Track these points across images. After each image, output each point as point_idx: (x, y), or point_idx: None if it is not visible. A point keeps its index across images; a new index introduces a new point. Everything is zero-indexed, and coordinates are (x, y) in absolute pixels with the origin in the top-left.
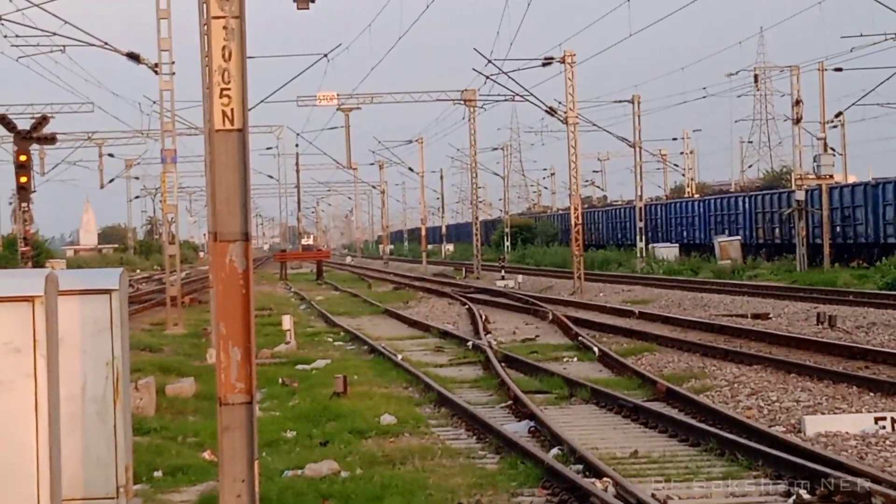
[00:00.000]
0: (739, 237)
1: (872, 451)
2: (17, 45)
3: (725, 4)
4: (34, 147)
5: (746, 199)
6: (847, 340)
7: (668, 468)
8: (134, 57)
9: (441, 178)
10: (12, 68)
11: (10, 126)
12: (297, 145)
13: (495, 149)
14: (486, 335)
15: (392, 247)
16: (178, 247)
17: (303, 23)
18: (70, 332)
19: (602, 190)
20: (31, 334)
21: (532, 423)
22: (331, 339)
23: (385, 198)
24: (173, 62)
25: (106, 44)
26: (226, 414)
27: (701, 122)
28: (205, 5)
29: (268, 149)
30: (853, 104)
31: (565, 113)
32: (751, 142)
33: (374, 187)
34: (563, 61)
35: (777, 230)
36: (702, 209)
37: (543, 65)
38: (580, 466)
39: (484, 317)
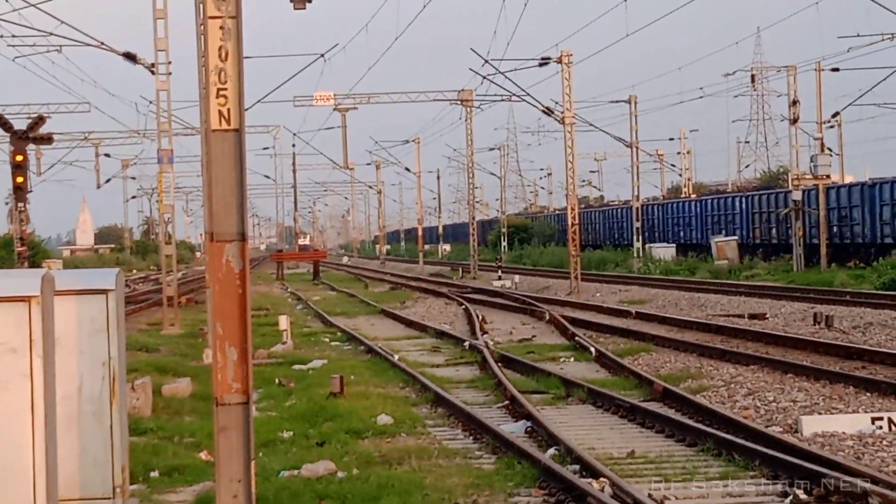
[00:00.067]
0: (736, 237)
1: (869, 451)
2: (13, 45)
3: (722, 5)
4: (30, 147)
5: (743, 200)
6: (844, 340)
7: (664, 468)
8: (130, 57)
9: (438, 178)
10: (9, 68)
11: (6, 126)
12: (293, 145)
13: (492, 149)
14: (482, 335)
15: (389, 247)
16: (175, 247)
17: (299, 23)
18: (66, 332)
19: (599, 190)
20: (27, 334)
21: (529, 424)
22: (327, 340)
23: (382, 198)
24: (170, 62)
25: (102, 44)
26: (222, 414)
27: (698, 123)
28: (201, 5)
29: (264, 149)
30: (850, 104)
31: (562, 113)
32: (748, 142)
33: (370, 187)
34: (559, 61)
35: (774, 230)
36: (699, 209)
37: (540, 65)
38: (577, 466)
39: (481, 317)
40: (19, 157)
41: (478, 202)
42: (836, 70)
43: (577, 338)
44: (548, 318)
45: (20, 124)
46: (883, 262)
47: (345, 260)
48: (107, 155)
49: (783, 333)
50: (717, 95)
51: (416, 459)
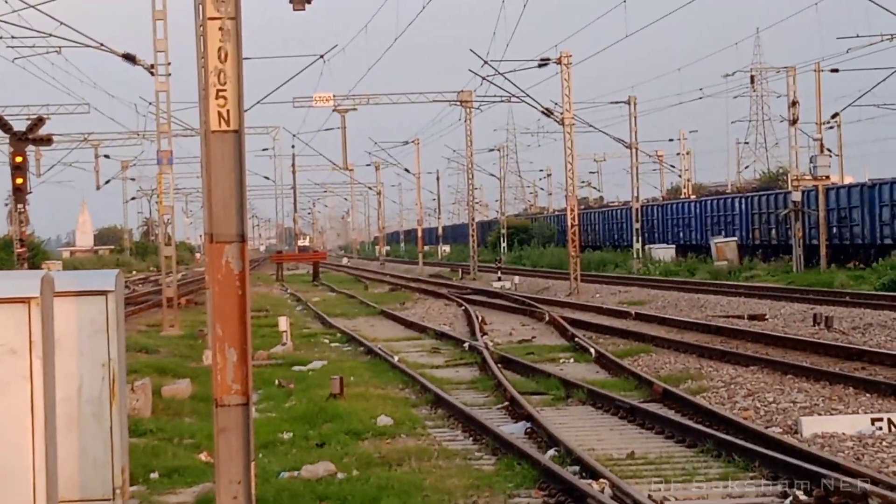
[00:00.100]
0: (736, 238)
1: (869, 452)
2: (12, 47)
3: (722, 6)
4: (30, 148)
5: (743, 200)
6: (843, 341)
7: (664, 469)
8: (130, 58)
9: (437, 179)
10: (8, 70)
11: (6, 127)
12: (293, 146)
13: (492, 150)
14: (482, 336)
15: (388, 248)
16: (175, 248)
17: (299, 24)
18: (66, 333)
19: (598, 191)
20: (27, 336)
21: (528, 425)
22: (327, 341)
23: (381, 199)
24: (169, 63)
25: (102, 45)
26: (222, 415)
27: (697, 123)
28: (200, 6)
29: (264, 150)
30: (849, 105)
31: (561, 114)
32: (747, 143)
33: (370, 188)
34: (559, 62)
35: (773, 231)
36: (698, 210)
37: (540, 66)
38: (577, 468)
39: (480, 318)
40: (19, 159)
41: (477, 203)
42: (836, 71)
43: (576, 339)
44: (547, 319)
45: (20, 125)
46: (882, 263)
47: (344, 261)
48: (106, 156)
49: (783, 334)
50: (717, 96)
51: (415, 460)
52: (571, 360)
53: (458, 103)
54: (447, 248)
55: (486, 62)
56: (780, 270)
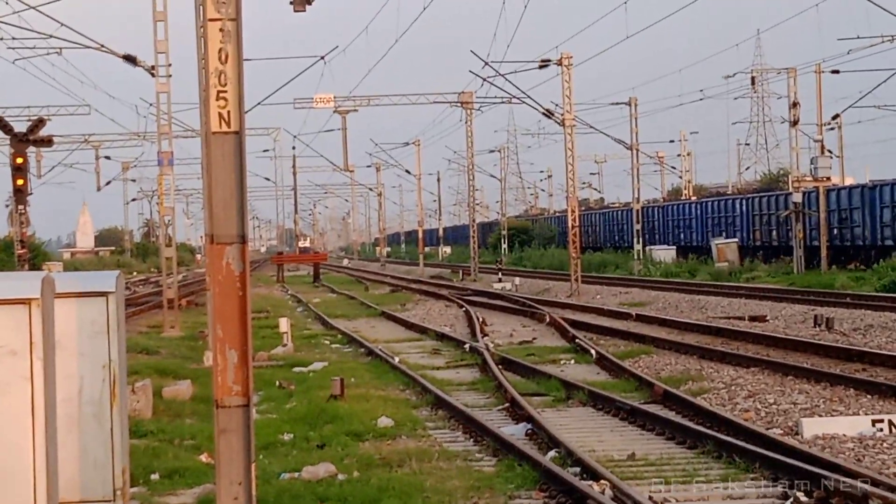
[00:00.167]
0: (736, 239)
1: (870, 454)
2: (13, 48)
3: (722, 7)
4: (31, 149)
5: (743, 202)
6: (844, 343)
7: (665, 470)
8: (130, 59)
9: (438, 180)
10: (9, 71)
11: (6, 128)
12: (293, 147)
13: (492, 151)
14: (483, 337)
15: (389, 249)
16: (175, 249)
17: (300, 25)
18: (67, 334)
19: (599, 192)
20: (27, 337)
21: (529, 426)
22: (328, 342)
23: (382, 200)
24: (170, 64)
25: (102, 46)
26: (222, 416)
27: (698, 125)
28: (201, 8)
29: (265, 151)
30: (850, 106)
31: (562, 115)
32: (748, 144)
33: (371, 189)
34: (559, 63)
35: (774, 232)
36: (699, 211)
37: (540, 67)
38: (577, 469)
39: (481, 319)
40: (19, 160)
41: (478, 204)
42: (837, 72)
43: (577, 340)
44: (548, 320)
45: (20, 127)
46: (883, 264)
47: (345, 262)
48: (107, 157)
49: (784, 335)
50: (718, 97)
51: (416, 462)
52: (572, 361)
53: (459, 104)
54: (448, 250)
55: (486, 63)
56: (781, 272)
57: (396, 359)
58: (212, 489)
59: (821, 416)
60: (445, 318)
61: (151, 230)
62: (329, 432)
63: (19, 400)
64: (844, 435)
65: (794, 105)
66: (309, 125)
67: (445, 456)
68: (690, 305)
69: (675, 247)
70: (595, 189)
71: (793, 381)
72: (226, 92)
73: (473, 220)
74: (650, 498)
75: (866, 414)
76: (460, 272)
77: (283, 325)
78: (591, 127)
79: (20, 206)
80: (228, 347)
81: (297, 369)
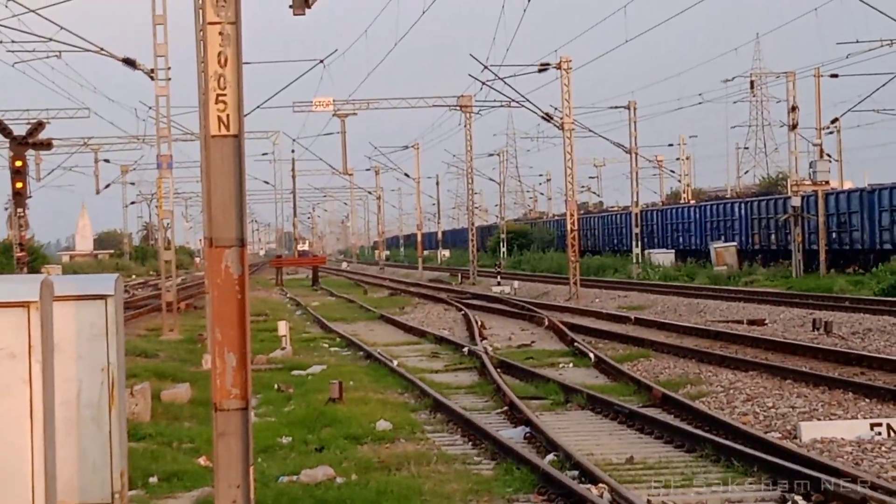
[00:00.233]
0: (735, 243)
1: (868, 458)
2: (13, 51)
3: (722, 11)
4: (30, 152)
5: (742, 205)
6: (843, 346)
7: (663, 474)
8: (130, 63)
9: (437, 183)
10: (8, 74)
11: (6, 131)
12: (293, 151)
13: (491, 154)
14: (481, 341)
15: (388, 252)
16: (174, 252)
17: (299, 28)
18: (65, 337)
19: (598, 196)
20: (26, 340)
21: (528, 429)
22: (326, 345)
23: (381, 203)
24: (169, 68)
25: (102, 49)
26: (221, 419)
27: (697, 129)
28: (201, 11)
29: (264, 154)
30: (849, 110)
31: (561, 119)
32: (747, 148)
33: (370, 193)
34: (559, 67)
35: (773, 236)
36: (698, 215)
37: (539, 71)
38: (576, 472)
39: (480, 322)
40: (19, 163)
41: (477, 208)
42: (835, 76)
43: (576, 343)
44: (547, 323)
45: (20, 130)
46: (882, 268)
47: (344, 266)
48: (106, 160)
49: (782, 339)
50: (717, 101)
51: (415, 465)
52: (571, 364)
53: (458, 108)
54: (447, 253)
55: (486, 67)
56: (780, 275)
57: (395, 362)
58: (210, 492)
59: (819, 419)
60: (444, 322)
61: (150, 233)
62: (327, 435)
63: (18, 403)
64: (843, 439)
65: (793, 109)
66: (308, 129)
67: (444, 459)
68: (689, 309)
69: (673, 250)
70: (594, 193)
71: (791, 385)
72: (225, 95)
73: (472, 224)
74: (648, 502)
75: (865, 418)
76: (459, 276)
77: (282, 328)
78: (591, 130)
79: (19, 209)
80: (227, 351)
81: (295, 372)
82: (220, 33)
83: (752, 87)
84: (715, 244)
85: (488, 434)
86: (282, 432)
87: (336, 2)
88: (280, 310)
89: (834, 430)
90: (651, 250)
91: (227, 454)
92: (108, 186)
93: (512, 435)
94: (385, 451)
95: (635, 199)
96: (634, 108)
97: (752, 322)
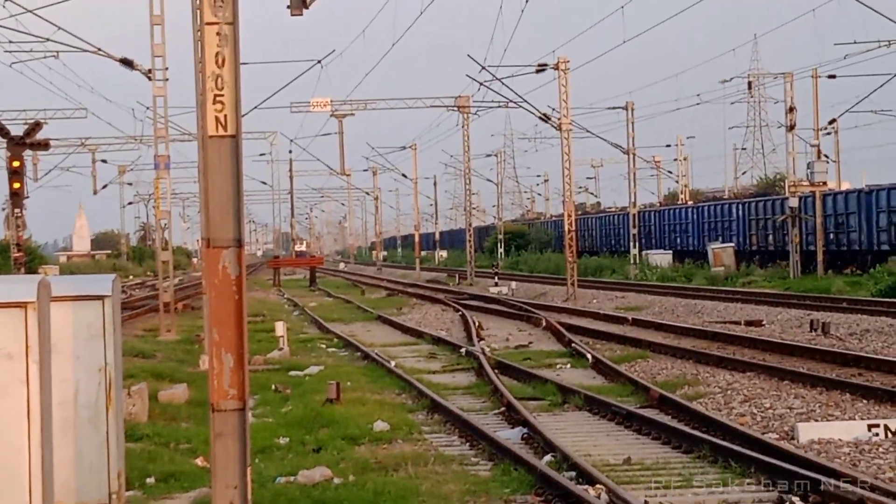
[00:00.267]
0: (733, 244)
1: (865, 459)
2: (10, 51)
3: (720, 11)
4: (27, 153)
5: (740, 206)
6: (840, 347)
7: (661, 475)
8: (127, 63)
9: (435, 184)
10: (5, 74)
11: (3, 132)
12: (290, 151)
13: (489, 155)
14: (479, 342)
15: (385, 253)
16: (171, 253)
17: (297, 29)
18: (63, 338)
19: (596, 196)
20: (23, 340)
21: (525, 430)
22: (324, 346)
23: (378, 204)
24: (167, 68)
25: (99, 49)
26: (218, 420)
27: (695, 129)
28: (198, 11)
29: (261, 155)
30: (847, 111)
31: (559, 119)
32: (744, 149)
33: (367, 193)
34: (556, 68)
35: (770, 237)
36: (695, 216)
37: (537, 71)
38: (573, 473)
39: (477, 323)
40: (16, 163)
41: (475, 208)
42: (833, 77)
43: (573, 344)
44: (544, 324)
45: (17, 130)
46: (879, 269)
47: (341, 266)
48: (103, 161)
49: (780, 340)
50: (714, 102)
51: (412, 466)
52: (568, 365)
53: (456, 109)
54: (444, 254)
55: (483, 67)
56: (777, 276)
57: (392, 363)
58: (207, 493)
59: (817, 420)
60: (441, 323)
61: (148, 234)
62: (325, 436)
63: (15, 403)
64: (840, 440)
65: (791, 110)
66: (306, 129)
67: (441, 460)
68: (687, 310)
69: (671, 251)
70: (592, 193)
71: (789, 386)
72: (222, 95)
73: (470, 225)
74: (646, 502)
75: (862, 419)
76: (457, 276)
77: (280, 328)
78: (588, 131)
79: (17, 210)
80: (224, 351)
81: (293, 373)
82: (218, 34)
83: (749, 87)
84: (712, 245)
85: (486, 435)
86: (279, 433)
87: (334, 2)
88: (277, 310)
89: (831, 430)
90: (648, 251)
91: (224, 455)
92: (105, 187)
93: (509, 436)
94: (382, 452)
95: (633, 200)
96: (632, 109)
97: (749, 323)
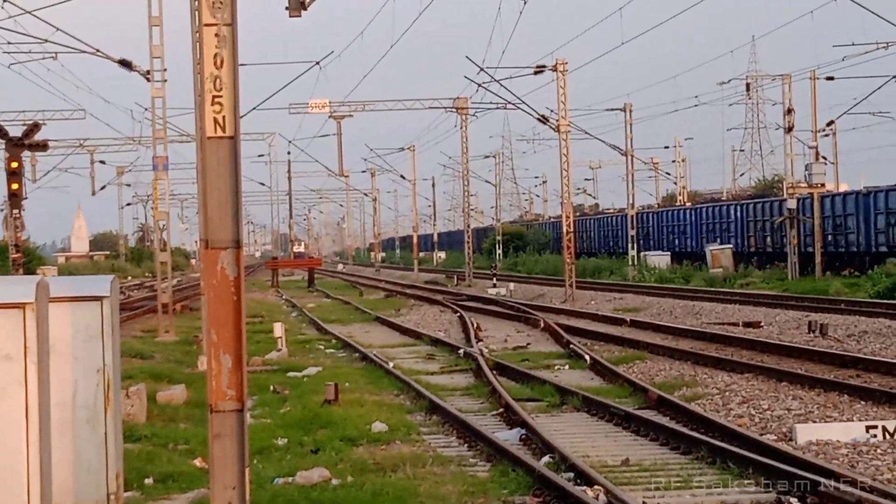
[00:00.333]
0: (731, 245)
1: (863, 460)
2: (9, 52)
3: (718, 13)
4: (26, 154)
5: (738, 208)
6: (838, 349)
7: (659, 476)
8: (126, 64)
9: (433, 185)
10: (4, 75)
11: (2, 133)
12: (288, 153)
13: (487, 156)
14: (477, 343)
15: (384, 254)
16: (170, 254)
17: (295, 30)
18: (61, 338)
19: (594, 198)
20: (21, 341)
21: (523, 431)
22: (322, 347)
23: (377, 205)
24: (165, 69)
25: (98, 51)
26: (217, 421)
27: (693, 131)
28: (197, 13)
29: (259, 156)
30: (845, 113)
31: (557, 121)
32: (742, 150)
33: (365, 195)
34: (555, 69)
35: (769, 238)
36: (693, 217)
37: (535, 73)
38: (571, 474)
39: (475, 324)
40: (14, 164)
41: (473, 210)
42: (831, 79)
43: (571, 345)
44: (542, 325)
45: (16, 131)
46: (878, 271)
47: (340, 267)
48: (102, 162)
49: (778, 342)
50: (712, 104)
51: (410, 467)
52: (566, 366)
53: (454, 110)
54: (443, 255)
55: (481, 69)
56: (775, 278)
57: (391, 364)
58: (206, 494)
59: (815, 422)
60: (440, 324)
61: (146, 235)
62: (323, 437)
63: (13, 404)
64: (838, 441)
65: (789, 111)
66: (304, 130)
67: (439, 461)
68: (685, 311)
69: (669, 253)
70: (590, 195)
71: (787, 387)
72: (221, 97)
73: (468, 226)
74: (644, 503)
75: (860, 420)
76: (455, 277)
77: (278, 329)
78: (586, 133)
79: (15, 211)
80: (223, 352)
81: (291, 374)
82: (217, 35)
83: (748, 89)
84: (711, 246)
85: (484, 436)
86: (277, 434)
87: (332, 4)
88: (276, 311)
89: (829, 432)
90: (647, 252)
91: (222, 456)
92: (103, 188)
93: (508, 437)
94: (381, 453)
95: (631, 202)
96: (630, 111)
97: (747, 324)
